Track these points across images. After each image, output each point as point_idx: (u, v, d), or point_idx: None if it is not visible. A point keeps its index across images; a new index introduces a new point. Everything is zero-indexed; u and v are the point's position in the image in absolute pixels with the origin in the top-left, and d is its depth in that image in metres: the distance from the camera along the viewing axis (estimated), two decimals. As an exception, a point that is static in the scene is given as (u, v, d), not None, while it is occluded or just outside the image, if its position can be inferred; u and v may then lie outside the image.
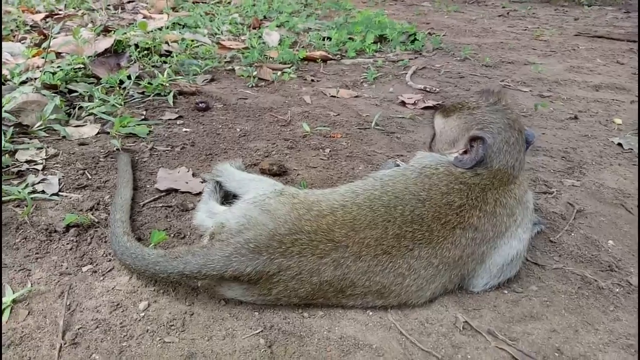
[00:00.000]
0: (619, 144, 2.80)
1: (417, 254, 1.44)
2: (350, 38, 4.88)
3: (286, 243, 1.40)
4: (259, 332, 1.38)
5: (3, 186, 1.92)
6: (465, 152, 1.67)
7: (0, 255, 1.59)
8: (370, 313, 1.48)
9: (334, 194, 1.59)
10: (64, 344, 1.30)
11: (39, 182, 2.02)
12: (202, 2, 6.54)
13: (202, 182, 2.09)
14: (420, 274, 1.45)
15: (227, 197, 1.96)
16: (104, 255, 1.66)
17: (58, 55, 3.54)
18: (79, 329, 1.35)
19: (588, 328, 1.46)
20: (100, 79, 3.17)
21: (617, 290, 1.62)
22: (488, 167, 1.60)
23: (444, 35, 5.62)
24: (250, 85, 3.49)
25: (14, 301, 1.42)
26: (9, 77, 3.04)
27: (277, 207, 1.49)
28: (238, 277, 1.38)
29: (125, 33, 4.12)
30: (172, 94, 3.07)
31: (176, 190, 2.05)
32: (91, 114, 2.75)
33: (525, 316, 1.50)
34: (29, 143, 2.36)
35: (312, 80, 3.74)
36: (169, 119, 2.80)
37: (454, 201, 1.51)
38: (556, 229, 1.97)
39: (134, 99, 3.01)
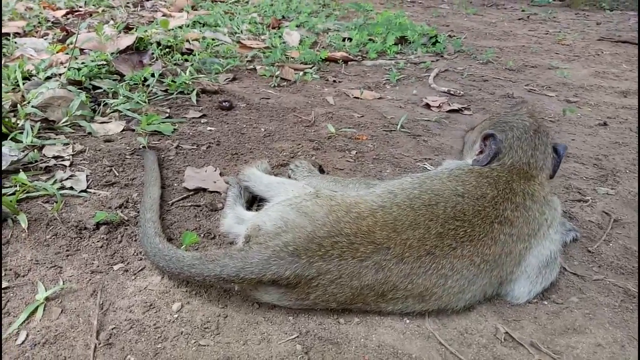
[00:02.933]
0: (652, 152, 2.73)
1: (459, 253, 1.41)
2: (370, 39, 4.84)
3: (325, 246, 1.36)
4: (295, 338, 1.35)
5: (32, 181, 1.91)
6: (481, 152, 1.76)
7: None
8: (408, 321, 1.44)
9: (371, 195, 1.56)
10: (99, 344, 1.28)
11: (67, 179, 2.01)
12: (221, 1, 6.54)
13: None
14: (463, 273, 1.41)
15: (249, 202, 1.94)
16: (135, 254, 1.63)
17: (81, 51, 3.55)
18: (112, 329, 1.33)
19: (635, 344, 1.40)
20: (124, 75, 3.17)
21: (662, 304, 1.56)
22: (501, 163, 1.67)
23: (464, 38, 5.55)
24: (272, 85, 3.47)
25: (47, 299, 1.40)
26: (34, 72, 3.05)
27: (314, 209, 1.45)
28: (276, 281, 1.35)
29: (146, 31, 4.12)
30: (195, 92, 3.06)
31: (204, 190, 2.03)
32: (116, 110, 2.74)
33: (567, 329, 1.45)
34: (55, 139, 2.35)
35: (334, 81, 3.70)
36: (193, 117, 2.78)
37: (487, 193, 1.54)
38: (593, 238, 1.91)
39: (157, 96, 3.00)
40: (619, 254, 1.82)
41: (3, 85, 2.76)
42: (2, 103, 2.46)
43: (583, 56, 5.00)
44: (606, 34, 6.15)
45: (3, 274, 1.48)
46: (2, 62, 2.91)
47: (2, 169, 1.95)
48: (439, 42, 4.88)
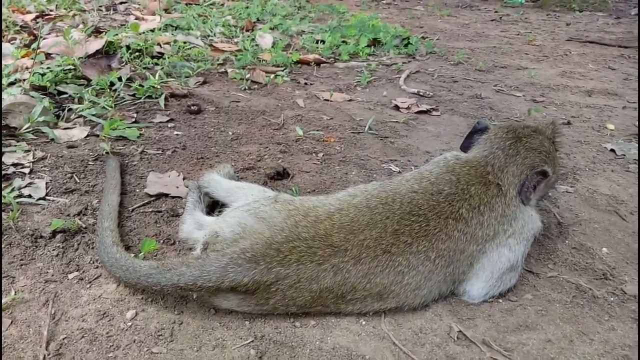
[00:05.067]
0: (612, 150, 2.81)
1: (415, 249, 1.44)
2: (343, 41, 4.87)
3: (284, 251, 1.37)
4: (250, 343, 1.35)
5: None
6: None
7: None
8: (364, 322, 1.45)
9: (331, 198, 1.59)
10: (48, 354, 1.26)
11: (25, 186, 1.98)
12: (195, 4, 6.49)
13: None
14: (419, 269, 1.44)
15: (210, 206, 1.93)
16: (91, 262, 1.61)
17: (48, 56, 3.48)
18: (63, 339, 1.31)
19: (583, 338, 1.44)
20: (91, 80, 3.12)
21: (612, 299, 1.61)
22: (470, 154, 1.74)
23: (437, 39, 5.62)
24: (242, 88, 3.46)
25: (-3, 310, 1.38)
26: (-4, 77, 2.98)
27: (272, 214, 1.46)
28: (235, 288, 1.35)
29: (116, 34, 4.07)
30: (163, 96, 3.03)
31: (166, 195, 2.02)
32: (80, 116, 2.70)
33: (520, 326, 1.48)
34: (16, 145, 2.31)
35: (306, 84, 3.71)
36: (160, 122, 2.76)
37: (444, 189, 1.56)
38: (550, 236, 1.95)
39: (124, 101, 2.97)
40: (574, 250, 1.86)
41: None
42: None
43: (552, 56, 5.11)
44: (575, 34, 6.30)
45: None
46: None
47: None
48: (411, 44, 4.93)
